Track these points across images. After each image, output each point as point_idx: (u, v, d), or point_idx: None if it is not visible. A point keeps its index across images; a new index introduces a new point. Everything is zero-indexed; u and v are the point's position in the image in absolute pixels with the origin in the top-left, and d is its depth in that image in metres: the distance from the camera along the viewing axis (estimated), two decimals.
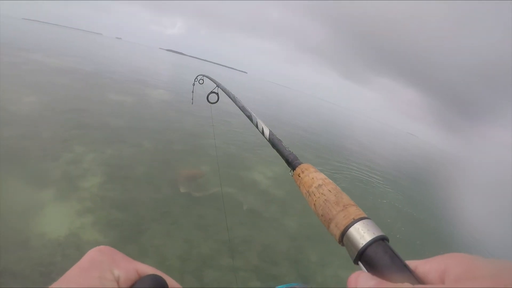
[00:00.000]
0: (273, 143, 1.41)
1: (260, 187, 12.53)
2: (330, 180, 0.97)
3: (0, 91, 14.82)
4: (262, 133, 1.54)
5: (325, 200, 0.87)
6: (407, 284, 0.51)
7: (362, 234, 0.69)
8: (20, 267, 5.46)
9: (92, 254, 0.62)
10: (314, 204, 0.91)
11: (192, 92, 5.45)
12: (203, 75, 4.65)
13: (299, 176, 1.07)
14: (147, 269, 0.63)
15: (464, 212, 21.40)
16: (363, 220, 0.73)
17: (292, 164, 1.18)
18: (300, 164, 1.14)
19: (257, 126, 1.65)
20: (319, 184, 0.95)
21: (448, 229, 16.61)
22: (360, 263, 0.66)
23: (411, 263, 0.59)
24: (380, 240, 0.65)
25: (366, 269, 0.63)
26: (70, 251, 6.07)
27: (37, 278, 5.33)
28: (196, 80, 4.89)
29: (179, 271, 6.48)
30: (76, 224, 6.91)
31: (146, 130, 15.00)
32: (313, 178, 1.00)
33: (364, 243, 0.66)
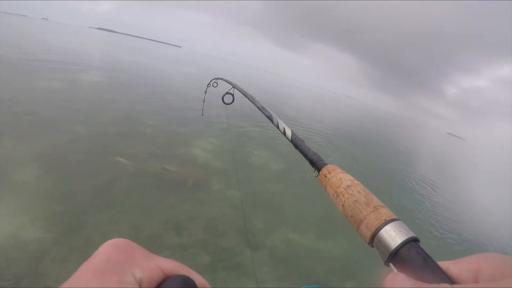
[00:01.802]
0: (296, 143, 1.41)
1: (200, 161, 12.60)
2: (358, 181, 0.98)
3: None
4: (284, 134, 1.55)
5: (355, 201, 0.88)
6: (444, 285, 0.51)
7: (393, 235, 0.70)
8: None
9: (108, 251, 0.54)
10: (343, 205, 0.91)
11: (203, 101, 5.31)
12: (218, 78, 4.49)
13: (326, 177, 1.07)
14: (172, 266, 0.57)
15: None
16: (394, 222, 0.74)
17: (316, 164, 1.19)
18: (326, 165, 1.14)
19: (278, 127, 1.65)
20: (347, 185, 0.96)
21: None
22: (391, 264, 0.67)
23: (442, 264, 0.60)
24: (412, 241, 0.67)
25: (398, 270, 0.64)
26: (14, 253, 5.88)
27: None
28: (209, 85, 4.68)
29: None
30: (14, 224, 6.64)
31: (79, 116, 14.40)
32: (341, 179, 1.01)
33: (396, 245, 0.67)
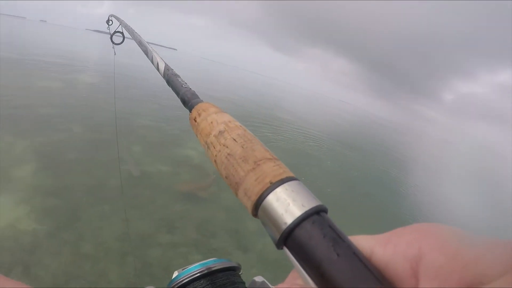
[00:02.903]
0: (168, 79, 1.12)
1: (194, 162, 12.72)
2: (238, 123, 0.70)
3: None
4: (157, 68, 1.28)
5: (228, 154, 0.60)
6: None
7: (286, 206, 0.45)
8: None
9: None
10: (215, 161, 0.64)
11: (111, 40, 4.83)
12: (113, 15, 4.25)
13: (195, 121, 0.78)
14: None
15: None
16: (288, 183, 0.49)
17: (189, 104, 0.88)
18: (198, 103, 0.84)
19: (152, 61, 1.39)
20: (219, 131, 0.67)
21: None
22: (285, 249, 0.44)
23: (365, 243, 0.39)
24: (315, 214, 0.43)
25: (297, 261, 0.41)
26: (9, 243, 6.05)
27: None
28: (107, 22, 4.34)
29: (119, 252, 6.61)
30: (11, 215, 6.82)
31: (75, 115, 14.57)
32: (212, 123, 0.72)
33: (290, 222, 0.43)
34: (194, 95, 0.92)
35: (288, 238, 0.43)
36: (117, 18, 2.97)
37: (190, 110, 0.83)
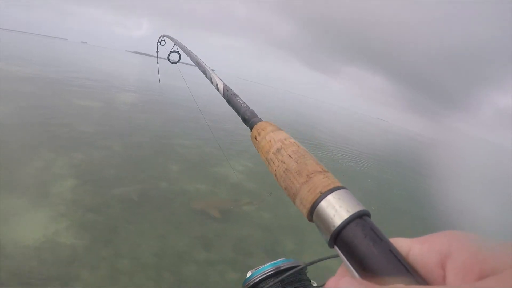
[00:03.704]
0: (228, 99, 1.25)
1: (231, 181, 12.64)
2: (292, 140, 0.78)
3: None
4: (217, 88, 1.42)
5: (286, 169, 0.70)
6: (398, 285, 0.39)
7: (335, 211, 0.54)
8: None
9: None
10: (275, 175, 0.73)
11: (157, 63, 4.58)
12: (165, 36, 4.17)
13: (256, 139, 0.86)
14: None
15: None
16: (336, 192, 0.57)
17: (249, 123, 0.98)
18: (257, 123, 0.92)
19: (211, 81, 1.53)
20: (277, 149, 0.76)
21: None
22: (336, 248, 0.52)
23: (403, 243, 0.46)
24: (358, 218, 0.51)
25: (345, 257, 0.49)
26: (47, 256, 6.10)
27: (15, 284, 5.38)
28: (158, 43, 4.27)
29: (155, 268, 6.56)
30: (50, 229, 6.92)
31: (114, 134, 14.97)
32: (270, 141, 0.80)
33: (338, 224, 0.51)
34: (253, 114, 1.02)
35: (337, 238, 0.51)
36: (171, 38, 3.05)
37: (251, 129, 0.92)
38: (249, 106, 1.10)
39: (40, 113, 15.60)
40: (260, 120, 0.94)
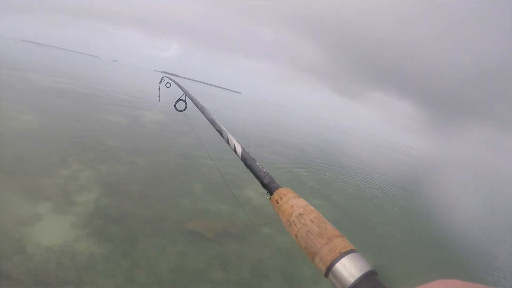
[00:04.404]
0: (246, 163, 1.34)
1: (252, 203, 12.61)
2: (312, 207, 0.91)
3: None
4: (234, 150, 1.47)
5: (308, 231, 0.82)
6: None
7: (349, 270, 0.65)
8: (16, 272, 5.62)
9: None
10: (296, 235, 0.85)
11: (159, 89, 5.34)
12: (169, 78, 4.55)
13: (278, 203, 1.00)
14: None
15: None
16: (350, 254, 0.69)
17: (268, 187, 1.13)
18: (278, 188, 1.07)
19: (228, 143, 1.57)
20: (299, 213, 0.89)
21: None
22: None
23: None
24: (369, 276, 0.63)
25: None
26: (65, 260, 6.22)
27: (31, 283, 5.49)
28: (162, 81, 4.77)
29: (171, 283, 6.56)
30: (71, 235, 7.07)
31: (140, 149, 15.22)
32: (292, 206, 0.93)
33: (352, 281, 0.63)
34: (272, 180, 1.16)
35: None
36: (181, 87, 3.20)
37: (271, 193, 1.08)
38: (267, 172, 1.21)
39: (70, 125, 16.10)
40: (280, 186, 1.08)
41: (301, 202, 0.94)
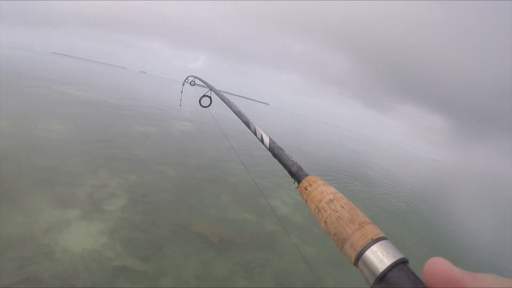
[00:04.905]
0: (274, 152, 1.33)
1: (279, 213, 12.66)
2: (342, 195, 0.89)
3: (31, 120, 15.68)
4: (262, 141, 1.46)
5: (338, 217, 0.80)
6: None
7: (380, 257, 0.63)
8: (45, 275, 5.81)
9: None
10: (325, 221, 0.83)
11: (181, 92, 5.42)
12: (194, 77, 4.51)
13: (306, 190, 0.98)
14: None
15: None
16: (382, 241, 0.68)
17: (296, 175, 1.10)
18: (306, 175, 1.05)
19: (255, 134, 1.57)
20: (330, 199, 0.87)
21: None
22: None
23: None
24: (401, 264, 0.60)
25: None
26: (93, 265, 6.41)
27: (59, 285, 5.70)
28: (186, 81, 4.74)
29: None
30: (99, 241, 7.26)
31: (169, 159, 15.51)
32: (322, 192, 0.92)
33: (384, 268, 0.60)
34: (300, 168, 1.13)
35: (381, 281, 0.60)
36: (206, 84, 3.30)
37: (299, 181, 1.05)
38: (295, 161, 1.20)
39: (100, 135, 16.52)
40: (308, 174, 1.07)
41: (331, 189, 0.92)
